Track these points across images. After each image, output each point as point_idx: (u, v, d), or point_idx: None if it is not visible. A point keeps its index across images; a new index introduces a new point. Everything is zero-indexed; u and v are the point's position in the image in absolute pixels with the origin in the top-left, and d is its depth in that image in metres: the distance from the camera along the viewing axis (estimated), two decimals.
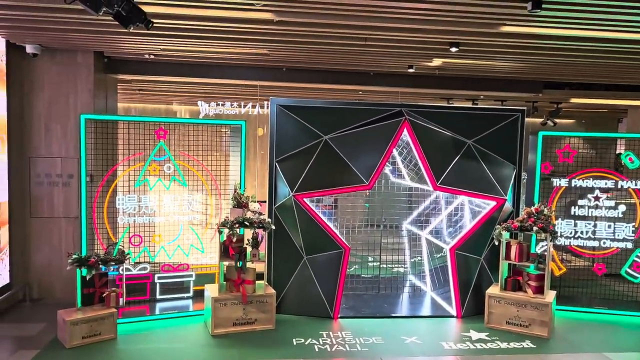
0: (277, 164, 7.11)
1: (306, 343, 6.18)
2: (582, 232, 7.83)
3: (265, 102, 10.34)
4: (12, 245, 7.16)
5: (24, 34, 6.58)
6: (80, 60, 7.54)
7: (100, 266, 6.13)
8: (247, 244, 6.73)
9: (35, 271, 7.60)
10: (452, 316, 7.27)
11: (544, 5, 4.34)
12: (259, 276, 6.81)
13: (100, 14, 3.98)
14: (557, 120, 12.36)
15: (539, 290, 6.76)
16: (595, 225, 7.79)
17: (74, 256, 6.06)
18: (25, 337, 6.23)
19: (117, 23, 4.34)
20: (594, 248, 7.86)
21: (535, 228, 6.67)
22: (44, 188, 7.52)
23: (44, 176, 7.50)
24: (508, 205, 7.33)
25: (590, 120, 15.22)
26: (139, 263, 7.11)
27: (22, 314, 7.08)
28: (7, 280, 7.06)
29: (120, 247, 6.64)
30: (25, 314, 7.07)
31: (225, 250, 6.66)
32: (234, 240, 6.58)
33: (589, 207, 7.80)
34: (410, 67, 7.88)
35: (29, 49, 7.04)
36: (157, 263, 7.27)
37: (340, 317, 7.06)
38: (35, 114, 7.48)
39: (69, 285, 7.21)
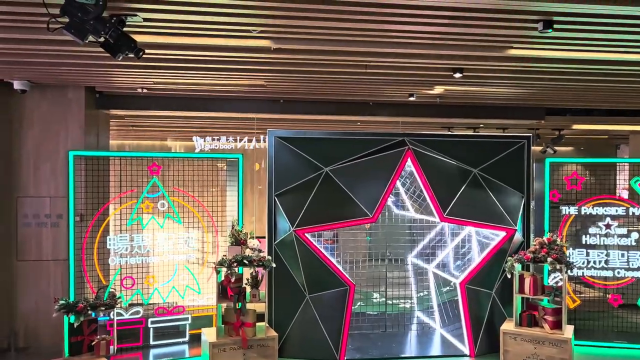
0: (276, 198, 6.81)
1: None
2: (594, 262, 7.51)
3: (262, 136, 10.12)
4: None
5: (11, 69, 6.35)
6: (70, 96, 7.32)
7: (90, 312, 5.73)
8: (246, 284, 6.36)
9: (21, 318, 7.17)
10: (465, 355, 6.86)
11: (555, 25, 4.15)
12: (260, 317, 6.42)
13: (87, 41, 3.75)
14: (557, 148, 12.18)
15: (557, 325, 6.39)
16: (607, 254, 7.48)
17: (61, 302, 5.67)
18: None
19: (107, 55, 4.12)
20: (606, 278, 7.54)
21: (549, 259, 6.34)
22: (31, 229, 7.17)
23: (32, 217, 7.17)
24: (518, 236, 7.02)
25: (589, 147, 15.08)
26: (132, 305, 6.70)
27: None
28: None
29: (111, 290, 6.25)
30: None
31: (223, 291, 6.28)
32: (233, 280, 6.21)
33: (600, 235, 7.51)
34: (411, 95, 7.70)
35: (17, 85, 6.81)
36: (151, 304, 6.88)
37: None
38: (24, 152, 7.20)
39: (56, 333, 6.75)
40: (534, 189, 7.68)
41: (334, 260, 6.79)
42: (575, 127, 10.66)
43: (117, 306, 6.11)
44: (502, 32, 4.52)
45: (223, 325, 6.31)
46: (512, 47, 5.02)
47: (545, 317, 6.45)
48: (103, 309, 5.88)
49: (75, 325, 5.68)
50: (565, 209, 7.64)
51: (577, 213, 7.60)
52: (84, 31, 3.62)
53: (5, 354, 6.92)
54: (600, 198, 7.62)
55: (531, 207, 7.65)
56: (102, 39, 3.84)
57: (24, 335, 7.17)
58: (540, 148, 12.51)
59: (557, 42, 4.76)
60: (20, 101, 7.16)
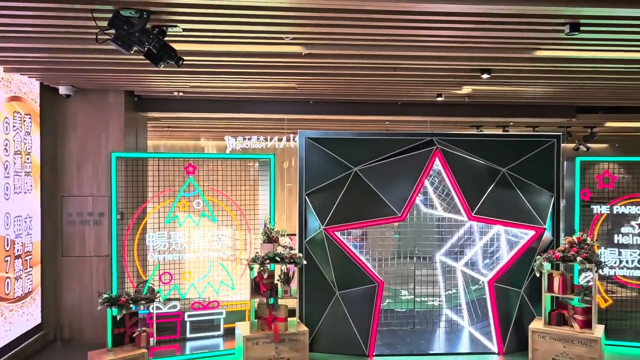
0: (306, 197, 7.00)
1: None
2: (627, 262, 7.45)
3: (292, 135, 10.33)
4: (44, 285, 7.16)
5: (57, 76, 6.73)
6: (111, 99, 7.67)
7: (131, 305, 6.04)
8: (278, 280, 6.57)
9: (66, 311, 7.57)
10: (493, 353, 6.92)
11: (581, 28, 4.20)
12: (291, 313, 6.62)
13: (132, 52, 4.01)
14: (590, 145, 12.00)
15: (586, 324, 6.39)
16: None
17: (105, 296, 5.99)
18: None
19: (147, 62, 4.36)
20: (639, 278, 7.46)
21: (579, 258, 6.35)
22: (75, 227, 7.56)
23: (76, 215, 7.55)
24: (547, 235, 7.03)
25: (624, 144, 14.76)
26: (170, 300, 7.00)
27: (53, 355, 7.02)
28: (39, 321, 7.02)
29: (150, 285, 6.56)
30: (57, 355, 7.01)
31: (256, 287, 6.51)
32: (265, 276, 6.43)
33: (633, 234, 7.44)
34: (439, 95, 7.78)
35: (62, 90, 7.19)
36: (187, 299, 7.17)
37: (376, 355, 6.79)
38: (67, 153, 7.59)
39: (99, 325, 7.13)
40: (565, 188, 7.66)
41: (362, 258, 6.94)
42: (608, 124, 10.51)
43: (156, 300, 6.42)
44: (529, 35, 4.59)
45: (256, 320, 6.54)
46: (539, 49, 5.07)
47: (575, 316, 6.46)
48: (143, 302, 6.19)
49: (117, 318, 6.01)
50: (596, 208, 7.58)
51: (609, 212, 7.54)
52: (129, 42, 3.88)
53: (52, 345, 7.32)
54: (633, 197, 7.54)
55: (561, 206, 7.64)
56: (145, 49, 4.09)
57: (69, 327, 7.57)
58: (572, 145, 12.36)
59: (585, 43, 4.79)
60: (65, 105, 7.54)
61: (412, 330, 7.77)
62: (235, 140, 11.14)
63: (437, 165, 7.01)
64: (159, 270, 6.99)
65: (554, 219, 7.20)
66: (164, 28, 4.20)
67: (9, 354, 6.15)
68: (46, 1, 3.79)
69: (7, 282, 6.21)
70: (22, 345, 6.48)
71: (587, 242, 6.56)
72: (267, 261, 6.33)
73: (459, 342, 7.43)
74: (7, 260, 6.19)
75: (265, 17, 4.10)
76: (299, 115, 8.97)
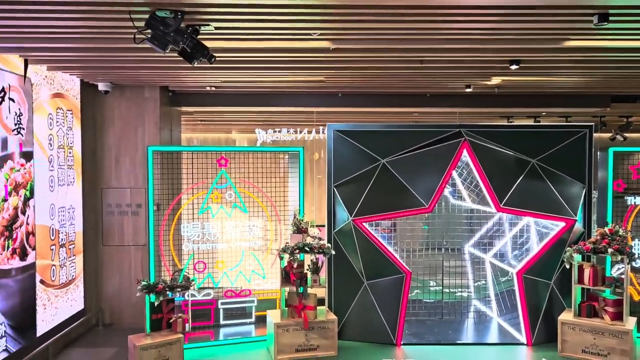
0: (335, 189, 7.14)
1: None
2: None
3: (321, 127, 10.45)
4: (86, 273, 7.53)
5: (97, 73, 7.03)
6: (147, 95, 7.95)
7: (167, 292, 6.31)
8: (307, 270, 6.74)
9: (107, 297, 7.94)
10: (522, 344, 6.94)
11: (610, 18, 4.17)
12: (320, 301, 6.80)
13: (167, 51, 4.20)
14: (627, 135, 11.71)
15: (617, 316, 6.34)
16: None
17: (143, 283, 6.28)
18: None
19: (181, 59, 4.55)
20: None
21: (610, 250, 6.30)
22: (114, 217, 7.90)
23: (115, 206, 7.89)
24: (578, 226, 6.98)
25: None
26: (204, 289, 7.27)
27: (95, 338, 7.40)
28: (82, 307, 7.40)
29: (185, 273, 6.82)
30: (99, 339, 7.38)
31: (286, 276, 6.70)
32: (295, 266, 6.62)
33: None
34: (468, 86, 7.76)
35: (101, 86, 7.51)
36: (221, 287, 7.42)
37: (404, 344, 6.90)
38: (106, 147, 7.92)
39: (137, 311, 7.46)
40: (597, 179, 7.56)
41: (390, 249, 7.05)
42: None
43: (191, 288, 6.68)
44: (558, 26, 4.57)
45: (286, 308, 6.74)
46: (568, 39, 5.04)
47: (606, 308, 6.42)
48: (179, 290, 6.45)
49: (155, 304, 6.30)
50: (630, 199, 7.46)
51: None
52: (165, 42, 4.07)
53: (95, 329, 7.70)
54: None
55: (593, 197, 7.54)
56: (179, 48, 4.27)
57: (110, 313, 7.95)
58: (608, 135, 12.08)
59: (615, 33, 4.74)
60: (104, 101, 7.86)
61: (440, 320, 7.84)
62: (266, 133, 11.34)
63: (465, 156, 7.03)
64: (194, 259, 7.25)
65: (585, 211, 7.13)
66: (197, 27, 4.37)
67: (56, 336, 6.52)
68: (87, 4, 4.00)
69: (53, 270, 6.57)
70: (67, 329, 6.85)
71: (620, 233, 6.49)
72: (297, 251, 6.51)
73: (487, 333, 7.47)
74: (52, 249, 6.55)
75: (293, 14, 4.22)
76: (327, 108, 9.08)
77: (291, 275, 6.63)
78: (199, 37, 4.40)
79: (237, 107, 8.90)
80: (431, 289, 8.33)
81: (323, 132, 10.39)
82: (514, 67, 6.08)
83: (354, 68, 6.52)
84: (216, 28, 4.52)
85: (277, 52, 5.50)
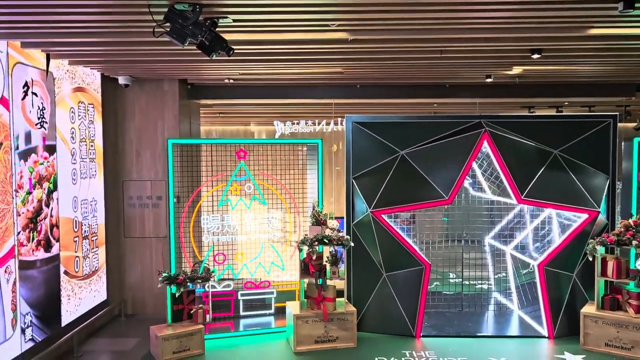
0: (354, 181, 7.12)
1: None
2: None
3: (340, 119, 10.42)
4: (109, 264, 7.67)
5: (117, 67, 7.11)
6: (166, 88, 8.02)
7: (188, 284, 6.40)
8: (326, 261, 6.76)
9: (129, 288, 8.08)
10: (543, 337, 6.86)
11: (636, 5, 4.06)
12: (339, 293, 6.81)
13: (186, 44, 4.22)
14: None
15: None
16: None
17: (164, 274, 6.37)
18: (122, 352, 6.63)
19: (199, 51, 4.57)
20: None
21: (634, 242, 6.18)
22: (135, 209, 8.01)
23: (136, 198, 8.00)
24: (602, 218, 6.85)
25: None
26: (223, 280, 7.34)
27: (118, 328, 7.54)
28: (105, 297, 7.54)
29: (205, 265, 6.90)
30: (121, 329, 7.52)
31: (305, 268, 6.73)
32: (314, 257, 6.64)
33: None
34: (488, 76, 7.65)
35: (121, 80, 7.59)
36: (240, 279, 7.48)
37: (423, 336, 6.89)
38: (127, 140, 8.02)
39: (159, 302, 7.58)
40: (622, 170, 7.40)
41: (410, 241, 7.02)
42: None
43: (211, 279, 6.76)
44: (581, 14, 4.46)
45: (305, 300, 6.77)
46: (592, 27, 4.92)
47: (630, 301, 6.30)
48: (200, 281, 6.54)
49: (176, 295, 6.39)
50: None
51: None
52: (184, 35, 4.09)
53: (117, 320, 7.85)
54: None
55: (617, 188, 7.39)
56: (198, 41, 4.29)
57: (132, 304, 8.09)
58: (634, 125, 11.82)
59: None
60: (124, 94, 7.95)
61: (460, 312, 7.80)
62: (284, 125, 11.37)
63: (486, 147, 6.95)
64: (214, 251, 7.33)
65: (609, 202, 7.00)
66: (215, 20, 4.38)
67: (80, 326, 6.66)
68: None
69: (76, 261, 6.70)
70: (90, 320, 6.99)
71: None
72: (316, 243, 6.52)
73: (508, 325, 7.41)
74: (75, 241, 6.68)
75: (310, 5, 4.19)
76: (346, 100, 9.05)
77: (310, 267, 6.65)
78: (217, 29, 4.41)
79: (255, 99, 8.92)
80: (451, 281, 8.28)
81: (341, 123, 10.37)
82: (535, 56, 5.97)
83: (372, 59, 6.47)
84: (234, 20, 4.52)
85: (295, 43, 5.49)
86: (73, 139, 6.66)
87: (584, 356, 6.19)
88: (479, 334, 7.03)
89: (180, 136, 8.01)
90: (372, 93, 8.78)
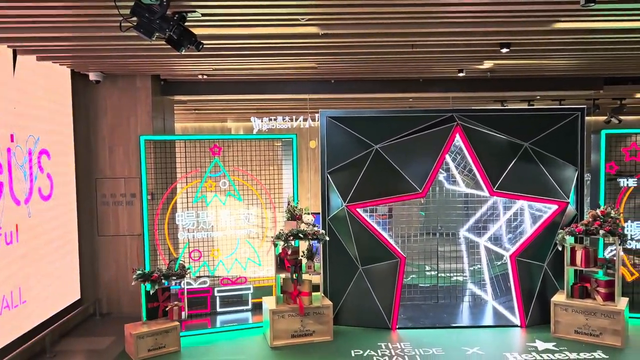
0: (328, 176, 7.15)
1: (365, 354, 6.13)
2: None
3: (316, 115, 10.42)
4: (82, 262, 7.56)
5: (87, 63, 7.00)
6: (139, 84, 7.92)
7: (163, 281, 6.36)
8: (302, 256, 6.78)
9: (103, 286, 7.98)
10: (516, 326, 7.00)
11: None
12: (315, 288, 6.84)
13: (154, 39, 4.18)
14: (623, 117, 11.70)
15: (609, 297, 6.40)
16: None
17: (138, 272, 6.32)
18: (96, 351, 6.56)
19: (170, 47, 4.53)
20: None
21: (601, 232, 6.34)
22: (109, 207, 7.91)
23: (109, 196, 7.90)
24: (571, 209, 7.01)
25: None
26: (199, 277, 7.31)
27: (93, 327, 7.45)
28: (79, 297, 7.44)
29: (181, 262, 6.86)
30: (96, 328, 7.43)
31: (281, 263, 6.74)
32: (289, 252, 6.65)
33: None
34: (461, 71, 7.74)
35: (92, 76, 7.48)
36: (217, 275, 7.46)
37: (399, 328, 6.96)
38: (99, 137, 7.91)
39: (134, 300, 7.51)
40: (590, 162, 7.57)
41: (385, 234, 7.08)
42: (638, 95, 10.24)
43: (186, 276, 6.72)
44: (546, 8, 4.55)
45: (282, 295, 6.78)
46: (558, 21, 5.02)
47: (598, 289, 6.47)
48: (175, 278, 6.50)
49: (151, 293, 6.34)
50: (623, 181, 7.49)
51: (636, 185, 7.44)
52: (151, 29, 4.05)
53: (92, 319, 7.75)
54: None
55: (586, 179, 7.56)
56: (166, 35, 4.25)
57: (107, 302, 8.00)
58: (604, 118, 12.09)
59: (603, 14, 4.72)
60: (95, 91, 7.84)
61: (436, 304, 7.90)
62: (261, 121, 11.34)
63: (458, 141, 7.04)
64: (189, 247, 7.28)
65: (578, 193, 7.16)
66: (184, 14, 4.35)
67: (52, 326, 6.54)
68: None
69: None
70: (63, 319, 6.87)
71: (612, 215, 6.52)
72: (291, 238, 6.54)
73: (482, 316, 7.53)
74: None
75: None
76: (321, 95, 9.07)
77: (286, 262, 6.66)
78: (185, 24, 4.38)
79: (230, 95, 8.89)
80: (427, 273, 8.38)
81: (318, 119, 10.37)
82: (504, 50, 6.07)
83: (344, 54, 6.50)
84: (203, 14, 4.49)
85: (266, 38, 5.48)
86: None
87: (554, 344, 6.33)
88: (453, 325, 7.14)
89: (153, 133, 7.93)
90: (347, 88, 8.82)
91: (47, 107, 6.68)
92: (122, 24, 4.16)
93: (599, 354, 6.00)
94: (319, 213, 7.35)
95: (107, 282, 7.97)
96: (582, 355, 5.98)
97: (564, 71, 8.25)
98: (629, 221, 7.41)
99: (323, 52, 6.38)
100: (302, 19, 4.71)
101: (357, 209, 6.91)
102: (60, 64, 6.93)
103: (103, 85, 7.78)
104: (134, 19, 4.09)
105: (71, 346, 6.72)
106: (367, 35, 5.49)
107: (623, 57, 7.02)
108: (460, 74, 7.86)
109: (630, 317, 6.74)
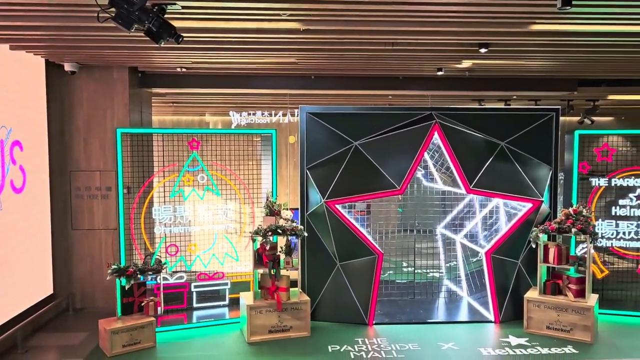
0: (308, 171, 7.16)
1: (341, 350, 6.16)
2: (624, 233, 7.56)
3: (296, 110, 10.41)
4: (55, 257, 7.41)
5: (62, 53, 6.85)
6: (116, 76, 7.79)
7: (139, 276, 6.28)
8: (280, 252, 6.77)
9: (77, 281, 7.85)
10: (490, 321, 7.13)
11: (574, 2, 4.23)
12: (293, 283, 6.85)
13: (132, 30, 4.11)
14: (595, 118, 11.98)
15: (580, 293, 6.56)
16: (638, 226, 7.51)
17: (113, 266, 6.23)
18: (69, 347, 6.45)
19: (148, 39, 4.47)
20: (638, 249, 7.58)
21: (573, 230, 6.49)
22: (84, 201, 7.78)
23: (84, 189, 7.76)
24: (545, 207, 7.15)
25: (631, 116, 14.70)
26: (176, 272, 7.24)
27: (66, 323, 7.32)
28: (51, 291, 7.30)
29: (157, 256, 6.78)
30: (69, 323, 7.30)
31: (259, 258, 6.72)
32: (268, 248, 6.64)
33: (631, 206, 7.54)
34: (440, 69, 7.82)
35: (67, 67, 7.31)
36: (193, 272, 7.40)
37: (376, 324, 7.02)
38: (74, 129, 7.75)
39: (109, 295, 7.39)
40: (564, 161, 7.74)
41: (363, 230, 7.12)
42: (611, 97, 10.49)
43: (163, 271, 6.65)
44: (523, 10, 4.63)
45: (259, 290, 6.77)
46: (534, 23, 5.11)
47: (570, 285, 6.62)
48: (151, 273, 6.43)
49: (126, 288, 6.26)
50: (594, 181, 7.67)
51: (607, 185, 7.63)
52: (130, 21, 3.99)
53: (65, 314, 7.62)
54: (632, 170, 7.61)
55: (560, 179, 7.73)
56: (145, 27, 4.19)
57: (81, 297, 7.86)
58: (577, 119, 12.35)
59: (579, 17, 4.82)
60: (70, 82, 7.67)
61: (412, 300, 7.99)
62: (240, 116, 11.26)
63: (436, 139, 7.11)
64: (166, 242, 7.21)
65: (552, 192, 7.32)
66: (164, 6, 4.29)
67: (24, 321, 6.41)
68: None
69: None
70: (35, 314, 6.74)
71: (584, 213, 6.68)
72: (269, 233, 6.53)
73: (457, 312, 7.64)
74: None
75: None
76: (301, 91, 9.05)
77: (264, 258, 6.65)
78: (165, 16, 4.32)
79: (209, 88, 8.81)
80: (404, 269, 8.46)
81: (298, 115, 10.36)
82: (483, 50, 6.15)
83: (325, 50, 6.50)
84: (183, 7, 4.44)
85: (246, 32, 5.45)
86: None
87: (527, 339, 6.47)
88: (429, 321, 7.23)
89: (130, 125, 7.80)
90: (327, 84, 8.82)
91: (20, 98, 6.52)
92: (100, 15, 4.09)
93: (569, 349, 6.15)
94: (297, 209, 7.36)
95: (81, 277, 7.84)
96: (553, 350, 6.12)
97: (540, 72, 8.40)
98: (600, 220, 7.59)
99: (304, 48, 6.37)
100: (284, 14, 4.69)
101: (336, 205, 6.94)
102: (34, 54, 6.77)
103: (79, 76, 7.62)
104: (112, 9, 4.02)
105: (44, 341, 6.60)
106: (348, 32, 5.50)
107: (597, 59, 7.19)
108: (439, 73, 7.94)
109: (599, 313, 6.93)
